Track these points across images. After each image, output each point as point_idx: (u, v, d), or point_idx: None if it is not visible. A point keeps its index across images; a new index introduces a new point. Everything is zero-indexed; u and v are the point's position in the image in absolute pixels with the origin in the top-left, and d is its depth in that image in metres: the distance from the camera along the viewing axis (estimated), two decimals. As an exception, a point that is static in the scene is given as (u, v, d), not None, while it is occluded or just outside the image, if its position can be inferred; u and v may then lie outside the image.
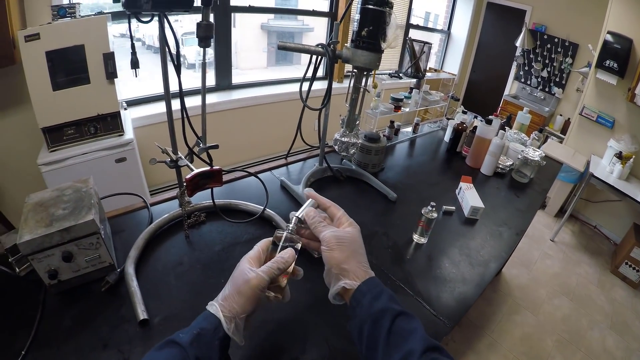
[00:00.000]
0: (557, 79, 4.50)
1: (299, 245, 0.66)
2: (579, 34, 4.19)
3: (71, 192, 0.87)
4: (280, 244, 0.65)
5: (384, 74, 2.11)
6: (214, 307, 0.57)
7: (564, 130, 4.26)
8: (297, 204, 1.26)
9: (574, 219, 3.76)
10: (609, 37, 3.15)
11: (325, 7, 3.73)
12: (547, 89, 4.64)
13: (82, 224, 0.77)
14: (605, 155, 3.31)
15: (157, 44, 0.86)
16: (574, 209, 3.35)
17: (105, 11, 2.22)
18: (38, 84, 1.81)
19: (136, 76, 0.95)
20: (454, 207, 1.40)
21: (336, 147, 1.22)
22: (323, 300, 0.85)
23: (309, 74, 1.16)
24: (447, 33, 5.52)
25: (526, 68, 4.79)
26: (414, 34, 4.76)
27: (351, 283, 0.60)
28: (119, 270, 0.87)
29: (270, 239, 0.67)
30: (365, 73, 1.11)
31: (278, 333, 0.79)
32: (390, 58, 4.29)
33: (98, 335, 0.74)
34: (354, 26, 1.05)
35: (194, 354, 0.51)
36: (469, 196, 1.40)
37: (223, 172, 0.89)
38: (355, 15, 1.06)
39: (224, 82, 3.18)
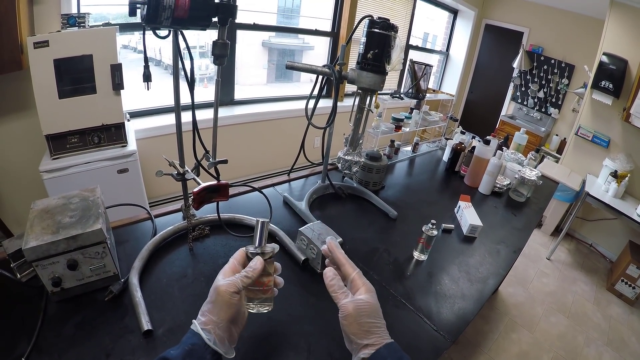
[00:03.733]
0: (554, 100, 4.59)
1: (272, 251, 0.68)
2: (575, 56, 4.29)
3: (78, 201, 0.88)
4: (251, 252, 0.67)
5: (385, 94, 2.15)
6: (194, 323, 0.59)
7: (560, 150, 4.32)
8: (300, 219, 1.28)
9: (570, 238, 3.79)
10: (605, 58, 3.23)
11: (327, 26, 3.81)
12: (543, 110, 4.73)
13: (89, 232, 0.77)
14: (600, 174, 3.36)
15: (158, 57, 0.88)
16: (570, 228, 3.38)
17: (110, 22, 2.26)
18: (44, 91, 1.82)
19: (148, 89, 0.97)
20: (453, 225, 1.42)
21: (339, 165, 1.24)
22: (326, 313, 0.87)
23: (315, 93, 1.19)
24: (446, 54, 5.62)
25: (523, 89, 4.88)
26: (413, 54, 4.85)
27: (369, 352, 0.59)
28: (122, 280, 0.87)
29: (244, 249, 0.69)
30: (369, 94, 1.14)
31: (281, 346, 0.80)
32: (390, 78, 4.37)
33: (100, 344, 0.74)
34: (359, 48, 1.09)
35: None
36: (467, 215, 1.43)
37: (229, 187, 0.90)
38: (360, 37, 1.10)
39: (227, 97, 3.22)
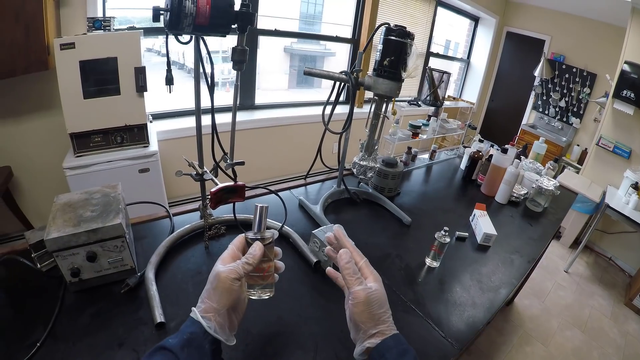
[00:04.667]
0: (575, 109, 4.50)
1: (272, 236, 0.67)
2: (597, 64, 4.21)
3: (100, 196, 0.92)
4: (251, 238, 0.65)
5: (403, 101, 2.16)
6: (194, 311, 0.58)
7: (580, 161, 4.23)
8: (314, 222, 1.30)
9: (588, 250, 3.69)
10: (627, 67, 3.16)
11: (348, 33, 3.84)
12: (564, 119, 4.64)
13: (109, 226, 0.81)
14: (621, 186, 3.26)
15: (181, 60, 0.92)
16: (589, 240, 3.29)
17: (135, 25, 2.34)
18: (70, 91, 1.89)
19: (170, 92, 1.01)
20: (467, 234, 1.41)
21: (355, 170, 1.25)
22: (335, 315, 0.88)
23: (332, 99, 1.21)
24: (467, 61, 5.58)
25: (544, 98, 4.81)
26: (434, 62, 4.83)
27: (375, 342, 0.58)
28: (139, 274, 0.91)
29: (244, 235, 0.67)
30: (385, 100, 1.15)
31: (289, 346, 0.81)
32: (410, 86, 4.36)
33: (114, 334, 0.77)
34: (376, 55, 1.10)
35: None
36: (482, 223, 1.42)
37: (246, 188, 0.93)
38: (378, 44, 1.11)
39: (247, 102, 3.29)
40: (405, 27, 1.06)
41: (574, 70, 4.41)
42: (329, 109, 1.24)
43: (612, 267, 3.53)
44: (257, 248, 0.62)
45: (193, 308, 0.58)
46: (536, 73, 4.63)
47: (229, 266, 0.59)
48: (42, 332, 0.74)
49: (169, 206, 1.38)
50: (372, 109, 1.18)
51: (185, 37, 0.86)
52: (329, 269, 0.73)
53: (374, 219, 1.44)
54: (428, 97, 1.99)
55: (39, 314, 0.79)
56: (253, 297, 0.67)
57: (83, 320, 0.79)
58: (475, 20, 5.29)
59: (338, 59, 4.19)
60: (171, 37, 0.84)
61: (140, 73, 2.00)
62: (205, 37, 0.85)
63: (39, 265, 0.88)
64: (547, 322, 2.59)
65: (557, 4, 4.47)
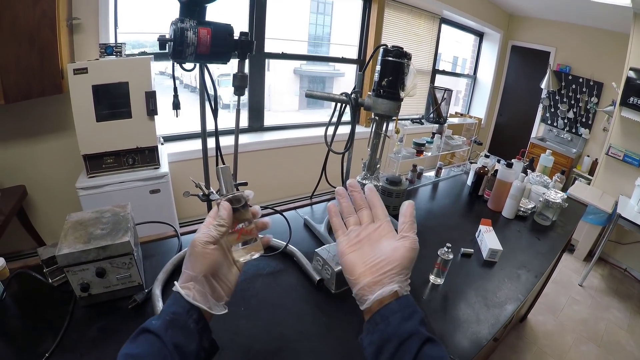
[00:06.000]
0: (584, 120, 4.47)
1: (242, 196, 0.63)
2: (603, 73, 4.20)
3: (110, 215, 0.95)
4: (216, 201, 0.62)
5: (406, 119, 2.18)
6: (175, 284, 0.55)
7: (591, 172, 4.18)
8: (319, 241, 1.31)
9: (603, 262, 3.61)
10: (632, 74, 3.14)
11: (354, 54, 3.91)
12: (573, 130, 4.61)
13: (118, 244, 0.84)
14: (633, 195, 3.20)
15: (193, 83, 0.96)
16: (603, 252, 3.23)
17: (146, 50, 2.42)
18: (83, 114, 1.96)
19: (177, 117, 1.05)
20: (472, 250, 1.41)
21: (358, 189, 1.27)
22: (337, 332, 0.89)
23: (334, 120, 1.24)
24: (473, 77, 5.60)
25: (552, 110, 4.79)
26: (440, 79, 4.87)
27: (403, 290, 0.53)
28: (146, 290, 0.93)
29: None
30: (385, 120, 1.17)
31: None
32: (417, 104, 4.41)
33: (120, 348, 0.78)
34: (375, 76, 1.13)
35: (171, 341, 0.49)
36: (487, 239, 1.42)
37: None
38: (377, 65, 1.15)
39: (256, 124, 3.35)
40: (402, 48, 1.09)
41: (581, 80, 4.40)
42: (331, 129, 1.27)
43: (628, 278, 3.45)
44: (222, 207, 0.59)
45: (175, 282, 0.56)
46: (543, 85, 4.62)
47: (202, 231, 0.57)
48: (51, 344, 0.77)
49: (180, 226, 1.41)
50: (373, 129, 1.20)
51: (189, 65, 0.91)
52: (331, 205, 0.64)
53: (378, 236, 1.45)
54: (431, 115, 2.01)
55: (49, 326, 0.82)
56: (242, 259, 0.62)
57: (91, 333, 0.82)
58: (480, 35, 5.33)
59: (347, 79, 4.24)
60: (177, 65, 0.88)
61: (150, 97, 2.07)
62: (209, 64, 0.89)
63: (50, 280, 0.92)
64: (562, 337, 2.53)
65: (559, 15, 4.49)
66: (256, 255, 0.63)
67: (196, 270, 0.54)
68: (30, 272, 0.91)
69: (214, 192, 1.06)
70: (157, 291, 0.92)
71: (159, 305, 0.88)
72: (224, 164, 0.98)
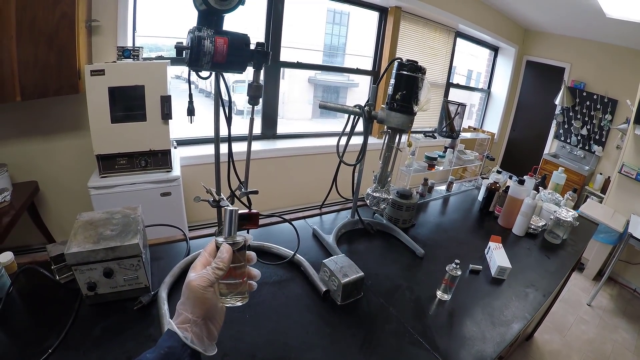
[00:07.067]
0: (597, 137, 4.41)
1: (243, 240, 0.63)
2: (618, 90, 4.15)
3: (120, 217, 0.96)
4: (220, 242, 0.61)
5: (419, 132, 2.18)
6: (170, 323, 0.55)
7: (604, 190, 4.11)
8: (327, 252, 1.31)
9: (612, 282, 3.54)
10: (646, 91, 3.10)
11: (369, 65, 3.91)
12: (587, 147, 4.54)
13: (126, 245, 0.85)
14: (645, 215, 3.15)
15: (208, 88, 0.97)
16: (613, 272, 3.16)
17: (163, 54, 2.45)
18: (98, 114, 1.99)
19: (191, 122, 1.07)
20: (480, 267, 1.39)
21: (368, 201, 1.27)
22: (340, 343, 0.89)
23: (347, 131, 1.24)
24: (487, 91, 5.57)
25: (566, 126, 4.74)
26: (454, 93, 4.84)
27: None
28: (152, 293, 0.94)
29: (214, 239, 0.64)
30: (398, 133, 1.17)
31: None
32: (430, 117, 4.40)
33: (123, 348, 0.80)
34: (389, 89, 1.14)
35: None
36: (496, 256, 1.40)
37: (260, 217, 0.95)
38: (391, 78, 1.15)
39: (269, 131, 3.37)
40: (417, 62, 1.10)
41: (595, 97, 4.35)
42: (343, 140, 1.27)
43: (637, 299, 3.37)
44: (224, 250, 0.59)
45: (170, 320, 0.56)
46: (557, 101, 4.58)
47: (200, 273, 0.57)
48: (55, 340, 0.78)
49: (189, 230, 1.42)
50: (386, 141, 1.21)
51: (205, 73, 0.92)
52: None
53: (387, 250, 1.44)
54: (444, 129, 2.01)
55: (54, 322, 0.84)
56: (227, 305, 0.63)
57: (95, 332, 0.83)
58: (495, 50, 5.31)
59: (362, 89, 4.24)
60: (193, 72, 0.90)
61: (165, 101, 2.09)
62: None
63: (57, 277, 0.94)
64: (568, 357, 2.48)
65: (575, 31, 4.46)
66: (240, 303, 0.64)
67: (196, 314, 0.55)
68: (38, 269, 0.92)
69: (224, 198, 1.07)
70: (163, 294, 0.93)
71: (165, 308, 0.88)
72: (235, 171, 0.98)
